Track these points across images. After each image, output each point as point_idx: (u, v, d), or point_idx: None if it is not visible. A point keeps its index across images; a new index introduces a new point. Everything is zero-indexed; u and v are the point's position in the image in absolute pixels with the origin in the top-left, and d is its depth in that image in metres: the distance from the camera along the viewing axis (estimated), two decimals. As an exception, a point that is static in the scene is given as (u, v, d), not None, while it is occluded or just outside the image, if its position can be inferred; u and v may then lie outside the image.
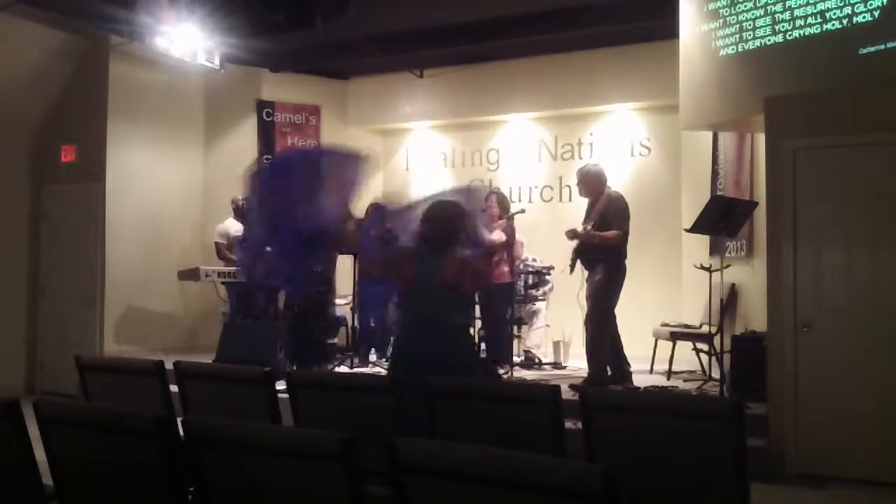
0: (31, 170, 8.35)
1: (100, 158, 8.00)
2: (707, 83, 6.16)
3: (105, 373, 3.94)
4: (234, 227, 8.14)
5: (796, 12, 5.54)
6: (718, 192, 7.16)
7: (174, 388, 3.63)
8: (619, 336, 6.18)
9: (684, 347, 6.93)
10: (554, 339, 7.56)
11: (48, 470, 2.53)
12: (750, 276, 6.57)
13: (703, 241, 7.17)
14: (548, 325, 7.60)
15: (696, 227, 6.01)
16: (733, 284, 6.73)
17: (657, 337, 7.19)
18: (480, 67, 9.15)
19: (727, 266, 6.35)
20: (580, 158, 8.92)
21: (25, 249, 8.30)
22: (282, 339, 6.88)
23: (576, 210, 6.52)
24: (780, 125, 5.25)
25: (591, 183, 6.20)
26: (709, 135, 7.52)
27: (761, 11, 5.75)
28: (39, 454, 2.52)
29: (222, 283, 7.81)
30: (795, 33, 5.54)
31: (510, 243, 6.78)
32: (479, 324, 6.70)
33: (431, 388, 3.19)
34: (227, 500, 2.19)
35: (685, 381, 6.57)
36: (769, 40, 5.69)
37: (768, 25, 5.70)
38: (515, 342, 7.31)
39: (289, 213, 4.78)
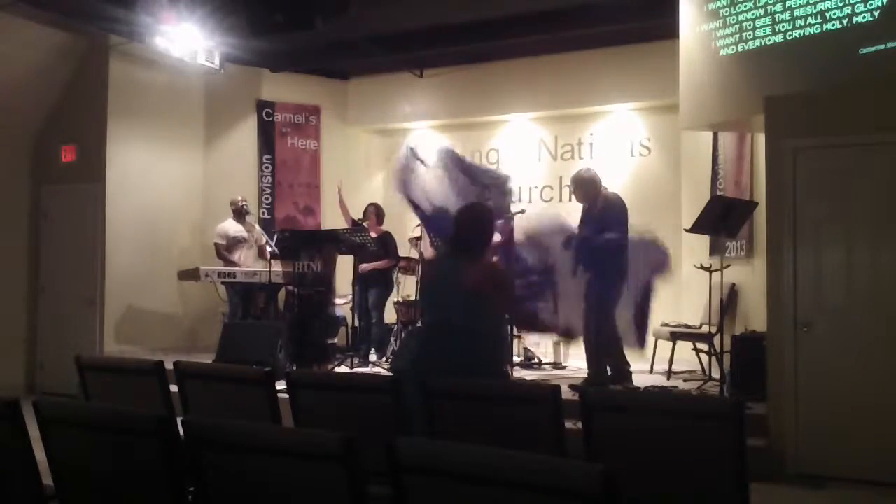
0: (31, 170, 8.35)
1: (100, 158, 8.00)
2: (707, 83, 6.16)
3: (105, 373, 3.94)
4: (234, 227, 8.14)
5: (796, 12, 5.54)
6: (718, 192, 7.16)
7: (174, 388, 3.63)
8: (619, 336, 6.18)
9: (684, 347, 6.93)
10: (554, 339, 7.56)
11: (48, 470, 2.53)
12: (750, 276, 6.57)
13: (703, 241, 7.17)
14: (547, 325, 7.59)
15: (696, 227, 6.01)
16: (733, 284, 6.73)
17: (657, 337, 7.18)
18: (480, 67, 9.15)
19: (727, 266, 6.35)
20: (580, 158, 8.92)
21: (25, 249, 8.31)
22: (282, 339, 6.88)
23: (575, 210, 6.50)
24: (780, 125, 5.25)
25: (587, 187, 6.20)
26: (709, 135, 7.52)
27: (761, 11, 5.75)
28: (39, 454, 2.52)
29: (222, 283, 7.81)
30: (795, 33, 5.54)
31: (508, 243, 6.77)
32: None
33: (431, 388, 3.19)
34: (227, 500, 2.19)
35: (685, 381, 6.58)
36: (769, 40, 5.69)
37: (768, 25, 5.70)
38: (515, 342, 7.31)
39: None
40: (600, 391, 4.76)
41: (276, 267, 7.83)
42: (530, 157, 9.41)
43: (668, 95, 7.30)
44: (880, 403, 4.85)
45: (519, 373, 6.95)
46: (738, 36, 5.90)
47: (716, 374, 6.23)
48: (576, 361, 7.24)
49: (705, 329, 6.62)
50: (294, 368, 6.65)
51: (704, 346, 6.68)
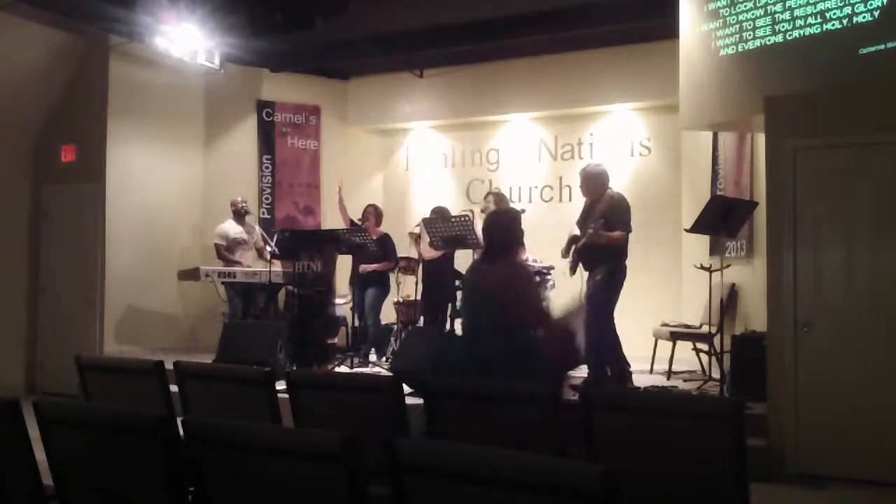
0: (31, 170, 8.35)
1: (100, 158, 8.00)
2: (707, 83, 6.16)
3: (105, 373, 3.94)
4: (234, 228, 8.14)
5: (796, 12, 5.54)
6: (718, 192, 7.16)
7: (174, 388, 3.63)
8: (617, 336, 6.17)
9: (684, 347, 6.93)
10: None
11: (48, 470, 2.53)
12: (750, 276, 6.57)
13: (703, 241, 7.17)
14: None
15: (696, 227, 6.00)
16: (733, 284, 6.73)
17: (657, 337, 7.18)
18: (480, 67, 9.15)
19: (727, 266, 6.35)
20: (580, 158, 8.93)
21: (25, 249, 8.31)
22: (282, 339, 6.88)
23: (576, 210, 6.51)
24: (780, 125, 5.25)
25: (595, 183, 6.17)
26: (709, 135, 7.52)
27: (761, 11, 5.75)
28: (39, 454, 2.52)
29: (222, 283, 7.81)
30: (795, 33, 5.54)
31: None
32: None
33: (431, 388, 3.19)
34: (227, 500, 2.19)
35: (685, 381, 6.57)
36: (769, 40, 5.69)
37: (768, 25, 5.70)
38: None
39: None
40: (600, 391, 4.76)
41: (276, 267, 7.82)
42: (530, 157, 9.41)
43: (668, 95, 7.31)
44: (880, 403, 4.85)
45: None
46: (738, 36, 5.90)
47: (716, 374, 6.23)
48: (576, 361, 7.23)
49: (705, 329, 6.61)
50: (294, 368, 6.65)
51: (704, 346, 6.67)
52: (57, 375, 7.69)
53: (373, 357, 7.58)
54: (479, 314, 3.79)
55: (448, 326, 7.11)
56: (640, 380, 6.42)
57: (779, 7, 5.64)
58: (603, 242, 5.93)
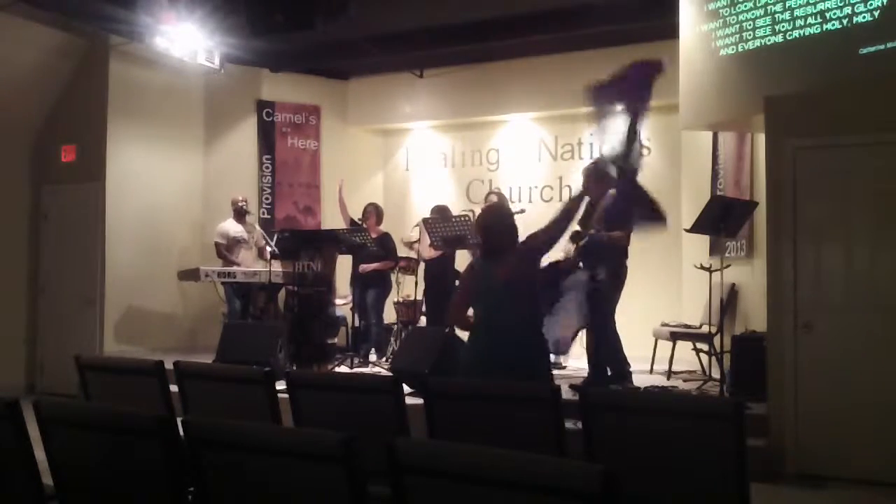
0: (31, 170, 8.35)
1: (100, 158, 8.00)
2: (707, 83, 6.16)
3: (105, 373, 3.94)
4: (234, 227, 8.14)
5: (796, 12, 5.54)
6: (718, 192, 7.16)
7: (174, 388, 3.63)
8: (618, 336, 6.17)
9: (684, 347, 6.93)
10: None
11: (48, 470, 2.53)
12: (750, 276, 6.57)
13: (703, 241, 7.17)
14: (548, 325, 7.59)
15: (696, 228, 6.00)
16: (733, 284, 6.73)
17: (657, 337, 7.19)
18: (480, 67, 9.16)
19: (727, 266, 6.35)
20: (580, 158, 8.93)
21: (25, 249, 8.31)
22: (282, 339, 6.88)
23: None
24: (780, 125, 5.25)
25: (600, 182, 6.16)
26: (709, 135, 7.52)
27: (761, 11, 5.75)
28: (39, 454, 2.52)
29: (222, 283, 7.81)
30: (795, 33, 5.54)
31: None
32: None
33: (431, 388, 3.19)
34: (227, 500, 2.19)
35: (685, 381, 6.57)
36: (769, 40, 5.69)
37: (768, 25, 5.70)
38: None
39: None
40: (600, 391, 4.76)
41: (276, 267, 7.82)
42: (530, 157, 9.41)
43: (668, 95, 7.27)
44: (880, 403, 4.85)
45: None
46: (738, 36, 5.90)
47: (716, 374, 6.23)
48: (576, 361, 7.23)
49: (705, 329, 6.62)
50: (294, 368, 6.65)
51: (704, 346, 6.68)
52: (57, 375, 7.69)
53: (373, 357, 7.58)
54: (499, 309, 3.79)
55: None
56: (640, 380, 6.42)
57: (779, 7, 5.64)
58: (605, 242, 5.92)
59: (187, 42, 7.70)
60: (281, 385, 3.47)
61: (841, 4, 5.28)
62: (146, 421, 2.28)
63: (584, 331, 6.14)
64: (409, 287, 7.90)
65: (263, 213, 9.40)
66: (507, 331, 3.76)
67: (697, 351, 6.88)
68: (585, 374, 6.25)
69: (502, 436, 2.89)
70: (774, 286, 5.18)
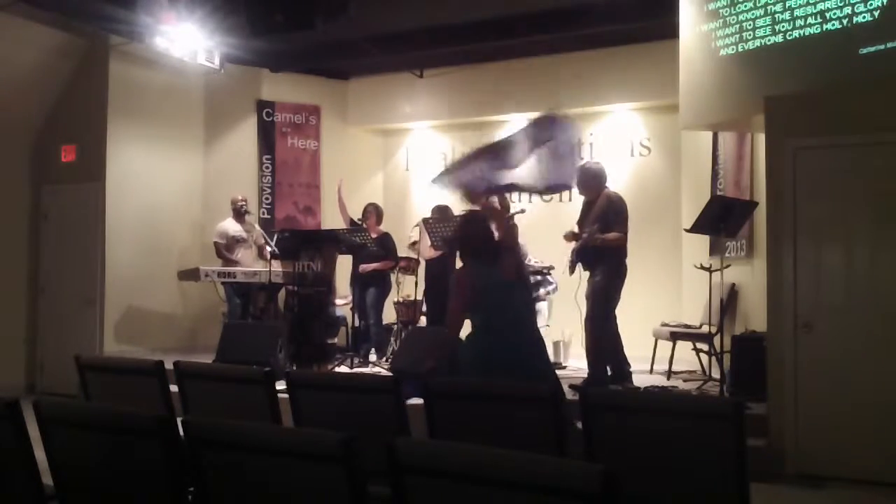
0: (31, 170, 8.35)
1: (100, 158, 8.00)
2: (707, 83, 6.16)
3: (105, 373, 3.94)
4: (233, 227, 8.14)
5: (796, 12, 5.54)
6: (718, 192, 7.16)
7: (174, 388, 3.63)
8: (619, 336, 6.18)
9: (684, 347, 6.93)
10: (554, 339, 7.56)
11: (48, 470, 2.53)
12: (750, 276, 6.57)
13: (703, 241, 7.17)
14: (548, 325, 7.60)
15: (696, 228, 6.00)
16: (733, 284, 6.73)
17: (657, 337, 7.19)
18: (480, 67, 9.15)
19: (727, 266, 6.35)
20: (580, 158, 8.91)
21: (25, 249, 8.31)
22: (282, 339, 6.88)
23: (576, 210, 6.51)
24: (780, 125, 5.25)
25: (592, 181, 6.17)
26: (709, 135, 7.52)
27: (761, 11, 5.75)
28: (39, 454, 2.52)
29: (222, 283, 7.81)
30: (795, 33, 5.54)
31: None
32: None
33: (431, 388, 3.19)
34: (227, 500, 2.19)
35: (685, 381, 6.57)
36: (769, 40, 5.69)
37: (768, 25, 5.70)
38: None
39: None
40: (600, 391, 4.76)
41: (276, 267, 7.82)
42: (530, 157, 9.40)
43: (668, 95, 7.31)
44: (880, 403, 4.85)
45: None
46: (738, 36, 5.89)
47: (716, 374, 6.23)
48: (576, 361, 7.24)
49: (705, 329, 6.62)
50: (294, 368, 6.65)
51: (704, 346, 6.67)
52: (57, 375, 7.69)
53: (373, 357, 7.58)
54: (502, 309, 3.83)
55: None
56: (640, 380, 6.42)
57: (779, 7, 5.64)
58: (598, 244, 5.93)
59: (187, 42, 7.70)
60: (281, 385, 3.47)
61: (841, 4, 5.28)
62: (146, 421, 2.28)
63: (584, 330, 6.16)
64: (409, 287, 7.90)
65: (263, 213, 9.40)
66: (509, 330, 3.79)
67: (697, 351, 6.88)
68: (585, 374, 6.25)
69: (502, 436, 2.89)
70: (774, 286, 5.18)
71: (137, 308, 8.29)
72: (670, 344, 6.90)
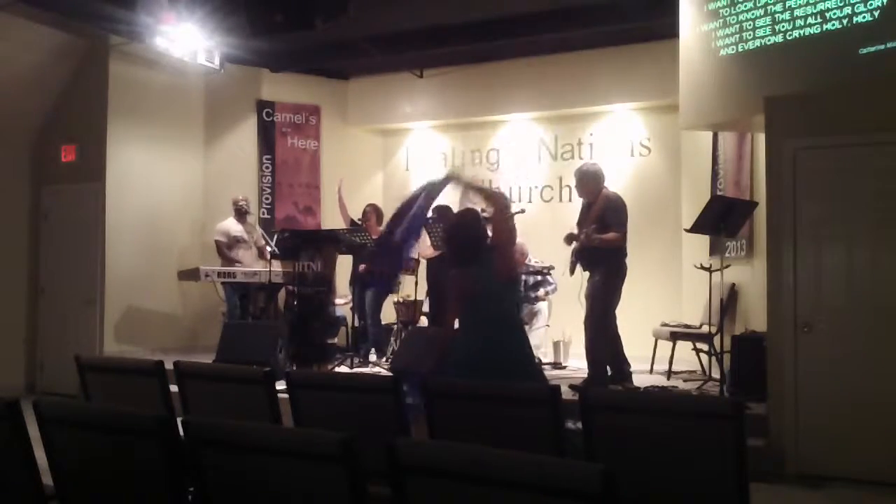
0: (31, 170, 8.35)
1: (100, 158, 8.00)
2: (707, 83, 6.16)
3: (105, 373, 3.94)
4: (235, 226, 8.15)
5: (796, 12, 5.54)
6: (718, 192, 7.16)
7: (174, 388, 3.63)
8: (619, 336, 6.18)
9: (684, 347, 6.93)
10: (554, 339, 7.56)
11: (48, 470, 2.53)
12: (750, 276, 6.57)
13: (703, 241, 7.17)
14: (548, 326, 7.60)
15: (696, 228, 6.01)
16: (733, 284, 6.73)
17: (657, 337, 7.19)
18: (480, 67, 9.15)
19: (727, 266, 6.35)
20: (580, 158, 8.92)
21: (25, 249, 8.31)
22: (282, 339, 6.88)
23: (576, 210, 6.51)
24: (780, 125, 5.25)
25: (590, 183, 6.17)
26: (709, 135, 7.52)
27: (761, 11, 5.75)
28: (39, 454, 2.52)
29: (222, 283, 7.81)
30: (795, 33, 5.54)
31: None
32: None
33: (431, 388, 3.19)
34: (227, 500, 2.19)
35: (685, 381, 6.58)
36: (769, 40, 5.69)
37: (768, 25, 5.70)
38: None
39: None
40: (600, 391, 4.76)
41: (276, 267, 7.83)
42: (530, 157, 9.41)
43: (668, 95, 7.31)
44: (880, 403, 4.85)
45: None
46: (738, 36, 5.89)
47: (716, 374, 6.23)
48: (576, 361, 7.24)
49: (705, 329, 6.62)
50: (294, 368, 6.65)
51: (704, 346, 6.68)
52: (57, 375, 7.70)
53: (373, 357, 7.58)
54: (496, 309, 3.85)
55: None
56: (640, 380, 6.42)
57: (779, 7, 5.64)
58: (597, 244, 5.94)
59: (187, 42, 7.70)
60: (281, 385, 3.48)
61: (841, 4, 5.28)
62: (146, 421, 2.28)
63: (584, 330, 6.16)
64: (409, 287, 7.90)
65: (263, 213, 9.40)
66: (497, 332, 3.80)
67: (697, 351, 6.88)
68: (585, 374, 6.25)
69: (502, 436, 2.89)
70: (774, 286, 5.18)
71: (137, 308, 8.28)
72: (670, 344, 6.90)
